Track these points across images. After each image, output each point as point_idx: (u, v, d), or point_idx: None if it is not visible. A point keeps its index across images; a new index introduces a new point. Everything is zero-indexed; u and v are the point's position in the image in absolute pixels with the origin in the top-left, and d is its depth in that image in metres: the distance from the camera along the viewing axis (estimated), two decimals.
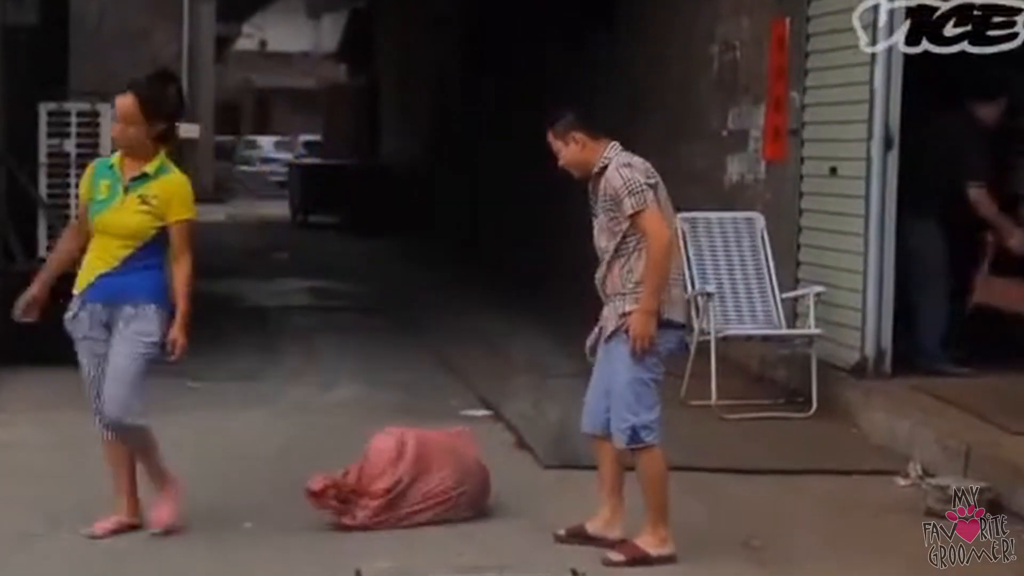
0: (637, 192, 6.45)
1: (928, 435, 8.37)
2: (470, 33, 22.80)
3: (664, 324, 6.50)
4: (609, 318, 6.60)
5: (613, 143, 6.67)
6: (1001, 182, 10.28)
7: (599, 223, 6.63)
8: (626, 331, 6.47)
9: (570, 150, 6.67)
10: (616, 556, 6.53)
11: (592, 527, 6.77)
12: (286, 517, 7.08)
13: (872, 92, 9.61)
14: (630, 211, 6.45)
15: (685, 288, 6.66)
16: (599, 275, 6.65)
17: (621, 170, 6.52)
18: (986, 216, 9.90)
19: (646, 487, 6.60)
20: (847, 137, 9.97)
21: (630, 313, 6.47)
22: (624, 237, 6.51)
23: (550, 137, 6.74)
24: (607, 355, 6.63)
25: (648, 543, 6.55)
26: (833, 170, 10.21)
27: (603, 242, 6.61)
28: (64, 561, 6.44)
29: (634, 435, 6.51)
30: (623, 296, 6.52)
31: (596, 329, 6.71)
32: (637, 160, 6.60)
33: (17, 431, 8.94)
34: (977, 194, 9.86)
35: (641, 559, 6.50)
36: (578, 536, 6.74)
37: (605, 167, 6.58)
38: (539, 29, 18.07)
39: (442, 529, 6.93)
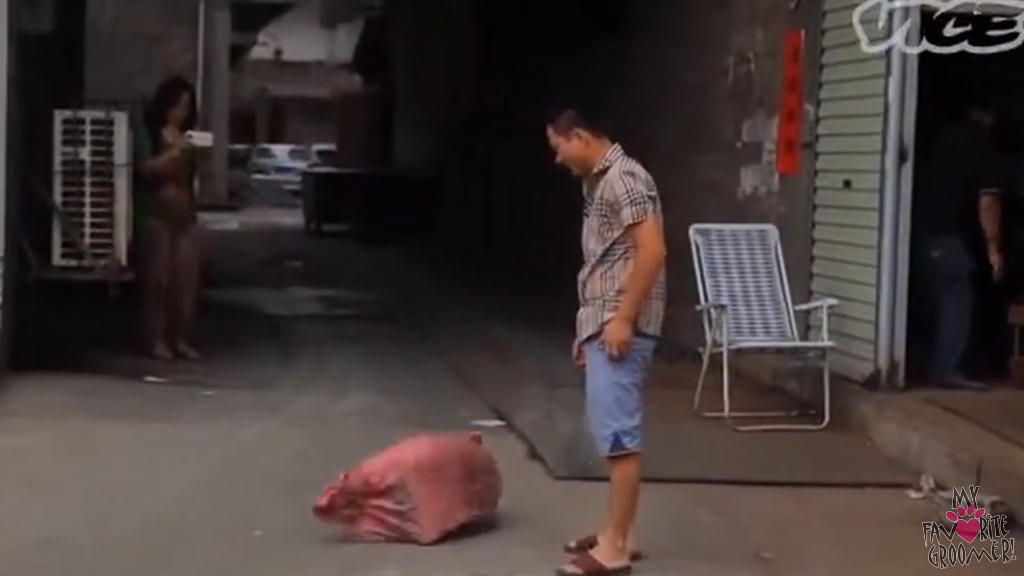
0: (639, 203, 6.43)
1: (940, 448, 8.34)
2: (482, 41, 22.83)
3: (639, 335, 6.48)
4: (587, 322, 6.57)
5: (615, 145, 6.63)
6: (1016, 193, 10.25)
7: (589, 224, 6.61)
8: (603, 340, 6.46)
9: (573, 146, 6.63)
10: (572, 569, 6.48)
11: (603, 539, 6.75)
12: (296, 526, 7.06)
13: (887, 105, 9.58)
14: (629, 221, 6.42)
15: (665, 301, 6.61)
16: (582, 276, 6.63)
17: (624, 177, 6.48)
18: (985, 227, 9.87)
19: (617, 496, 6.56)
20: (861, 150, 9.95)
21: (611, 321, 6.46)
22: (613, 244, 6.50)
23: (550, 131, 6.69)
24: (587, 360, 6.62)
25: (605, 555, 6.51)
26: (847, 183, 10.18)
27: (591, 244, 6.59)
28: (79, 565, 6.44)
29: (616, 441, 6.49)
30: (603, 303, 6.50)
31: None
32: (639, 169, 6.56)
33: (27, 436, 8.92)
34: (987, 202, 9.85)
35: (597, 572, 6.46)
36: (589, 547, 6.71)
37: (606, 169, 6.55)
38: (551, 37, 18.06)
39: (451, 539, 6.91)
